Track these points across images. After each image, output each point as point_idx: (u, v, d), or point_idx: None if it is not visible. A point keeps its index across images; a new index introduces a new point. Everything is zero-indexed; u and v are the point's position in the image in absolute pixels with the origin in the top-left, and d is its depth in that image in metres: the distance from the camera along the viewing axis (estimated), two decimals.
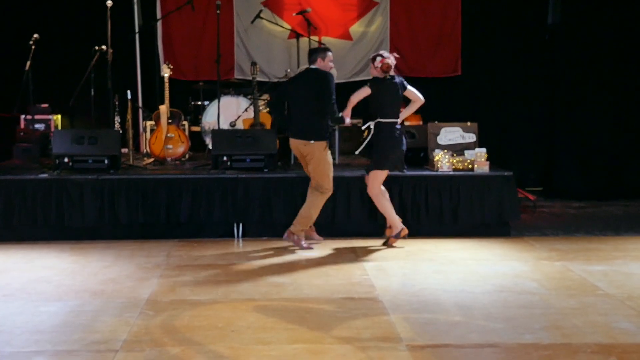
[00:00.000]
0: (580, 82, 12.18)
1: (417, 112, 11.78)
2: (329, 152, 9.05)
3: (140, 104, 12.26)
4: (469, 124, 10.28)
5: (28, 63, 10.63)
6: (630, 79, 12.24)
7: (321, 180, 8.99)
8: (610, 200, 12.02)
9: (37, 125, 11.50)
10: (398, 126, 9.05)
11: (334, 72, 11.58)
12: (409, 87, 9.18)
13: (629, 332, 6.24)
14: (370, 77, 9.38)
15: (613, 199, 12.07)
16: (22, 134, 11.33)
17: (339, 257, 8.76)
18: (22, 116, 11.65)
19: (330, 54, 9.26)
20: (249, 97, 11.35)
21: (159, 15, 12.60)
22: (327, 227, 9.65)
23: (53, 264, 8.46)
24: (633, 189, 12.28)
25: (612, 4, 12.22)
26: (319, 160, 8.96)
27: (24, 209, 9.52)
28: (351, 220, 9.71)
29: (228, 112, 11.29)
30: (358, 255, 8.79)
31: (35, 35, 10.73)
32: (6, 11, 12.26)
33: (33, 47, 10.68)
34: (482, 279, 7.73)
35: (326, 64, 9.19)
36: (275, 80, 12.23)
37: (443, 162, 9.84)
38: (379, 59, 9.06)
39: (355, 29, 13.03)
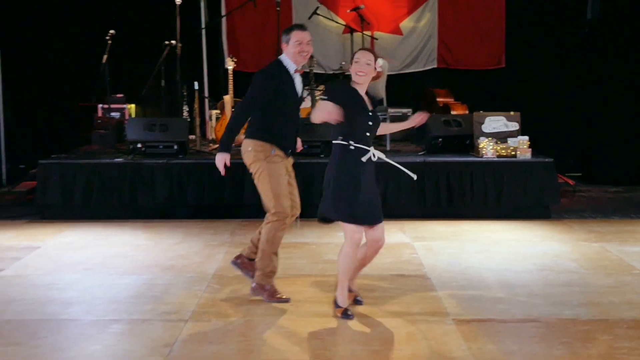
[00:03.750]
0: (617, 74, 12.04)
1: (463, 102, 11.82)
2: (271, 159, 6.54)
3: (206, 94, 12.33)
4: (512, 113, 10.20)
5: (105, 57, 10.72)
6: None
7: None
8: None
9: (113, 114, 11.60)
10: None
11: (385, 63, 11.56)
12: None
13: None
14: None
15: None
16: (99, 121, 11.45)
17: (389, 237, 8.68)
18: (100, 105, 11.78)
19: (292, 33, 6.40)
20: (307, 88, 11.33)
21: (223, 12, 12.65)
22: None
23: (128, 240, 8.56)
24: None
25: None
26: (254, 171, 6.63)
27: (101, 191, 9.63)
28: (400, 202, 9.68)
29: None
30: (407, 235, 8.77)
31: (111, 32, 10.81)
32: (85, 10, 12.38)
33: (109, 42, 10.77)
34: (523, 259, 7.68)
35: (289, 48, 6.42)
36: (331, 72, 12.22)
37: (487, 149, 9.78)
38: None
39: (405, 24, 12.97)
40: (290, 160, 6.62)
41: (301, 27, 6.46)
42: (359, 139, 5.95)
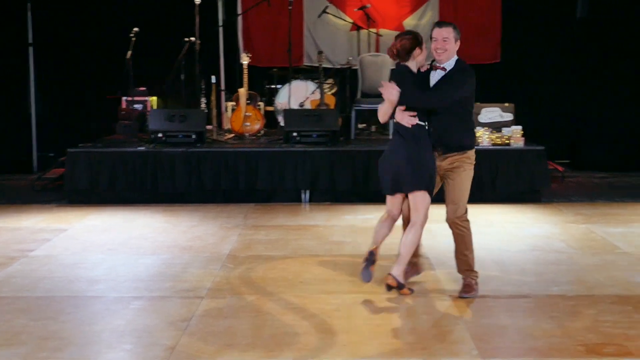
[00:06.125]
0: (603, 68, 12.02)
1: None
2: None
3: (222, 87, 12.31)
4: (506, 104, 10.18)
5: (129, 53, 10.70)
6: None
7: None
8: (629, 171, 11.82)
9: (136, 106, 11.58)
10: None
11: (389, 58, 11.52)
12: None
13: None
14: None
15: (632, 170, 11.86)
16: (123, 113, 11.45)
17: None
18: (124, 98, 11.77)
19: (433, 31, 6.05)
20: (316, 81, 11.34)
21: (239, 10, 12.61)
22: (381, 192, 9.61)
23: (149, 223, 8.57)
24: None
25: (635, 1, 12.05)
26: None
27: (125, 177, 9.65)
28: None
29: (298, 94, 11.27)
30: None
31: (135, 29, 10.79)
32: (111, 9, 12.37)
33: (133, 39, 10.75)
34: (516, 239, 7.67)
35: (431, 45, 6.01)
36: (339, 66, 12.19)
37: (483, 137, 9.75)
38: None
39: (409, 22, 12.89)
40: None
41: (438, 24, 5.98)
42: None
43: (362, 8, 12.23)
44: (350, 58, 11.86)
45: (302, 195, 9.73)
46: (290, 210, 9.31)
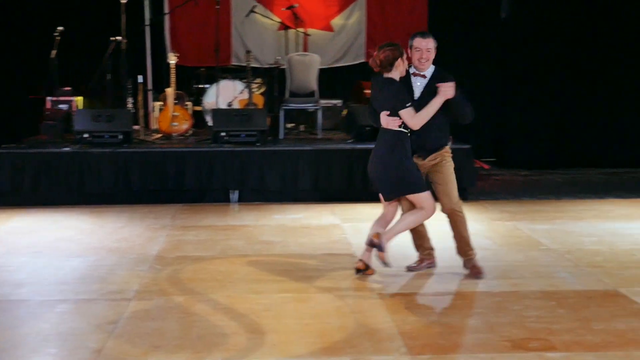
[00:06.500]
0: (526, 68, 12.23)
1: None
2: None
3: (150, 87, 12.19)
4: None
5: (54, 52, 10.53)
6: (571, 63, 12.29)
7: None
8: (552, 169, 12.08)
9: (61, 106, 11.36)
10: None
11: (317, 58, 11.59)
12: None
13: (567, 281, 6.29)
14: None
15: (555, 168, 12.13)
16: (48, 113, 11.23)
17: (321, 219, 8.77)
18: (49, 98, 11.54)
19: (414, 40, 6.35)
20: (244, 80, 11.31)
21: (166, 9, 12.52)
22: (310, 192, 9.67)
23: (75, 225, 8.44)
24: (572, 159, 12.36)
25: (556, 3, 12.30)
26: None
27: (50, 178, 9.47)
28: (331, 186, 9.70)
29: (226, 93, 11.23)
30: (337, 217, 8.80)
31: (60, 28, 10.63)
32: (35, 7, 12.13)
33: (58, 38, 10.58)
34: (444, 237, 7.70)
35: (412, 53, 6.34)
36: (267, 66, 12.17)
37: None
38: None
39: (336, 21, 12.96)
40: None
41: (422, 35, 6.30)
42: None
43: (290, 7, 12.25)
44: (279, 57, 11.86)
45: (231, 195, 9.69)
46: (219, 210, 9.26)
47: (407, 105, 6.07)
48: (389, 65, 6.12)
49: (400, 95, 6.10)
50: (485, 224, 8.41)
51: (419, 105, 6.15)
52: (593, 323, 5.25)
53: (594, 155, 12.42)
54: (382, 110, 6.13)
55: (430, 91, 6.19)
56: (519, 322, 5.30)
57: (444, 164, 6.38)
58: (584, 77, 12.39)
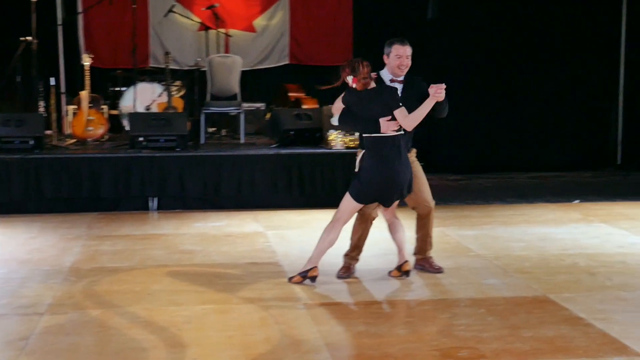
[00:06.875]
0: (455, 70, 12.36)
1: (314, 96, 11.88)
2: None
3: (63, 90, 12.00)
4: None
5: None
6: (499, 67, 12.50)
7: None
8: (480, 173, 12.27)
9: None
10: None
11: (239, 60, 11.56)
12: None
13: (496, 287, 6.38)
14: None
15: (483, 172, 12.32)
16: None
17: (244, 226, 8.74)
18: None
19: (393, 47, 6.67)
20: (163, 83, 11.21)
21: (79, 8, 12.33)
22: (233, 199, 9.63)
23: None
24: (500, 163, 12.57)
25: (482, 3, 12.50)
26: None
27: None
28: (255, 193, 9.68)
29: (144, 97, 11.11)
30: (261, 224, 8.77)
31: None
32: None
33: None
34: (371, 244, 7.74)
35: (389, 60, 6.67)
36: (187, 68, 12.08)
37: (337, 140, 9.88)
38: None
39: (259, 22, 12.95)
40: None
41: (402, 41, 6.55)
42: None
43: (211, 7, 12.19)
44: (199, 59, 11.77)
45: (150, 203, 9.59)
46: (138, 218, 9.15)
47: (400, 105, 6.26)
48: (370, 77, 6.34)
49: (395, 96, 6.32)
50: (413, 229, 8.45)
51: None
52: (522, 330, 5.33)
53: (523, 160, 12.67)
54: (382, 117, 6.26)
55: (406, 96, 6.40)
56: (448, 331, 5.35)
57: (416, 166, 6.68)
58: (512, 81, 12.64)
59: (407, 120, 6.28)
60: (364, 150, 6.43)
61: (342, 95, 6.40)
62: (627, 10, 12.97)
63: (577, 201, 10.17)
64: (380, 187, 6.37)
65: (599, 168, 12.82)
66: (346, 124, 6.61)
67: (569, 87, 12.78)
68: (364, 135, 6.40)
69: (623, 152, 13.15)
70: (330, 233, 6.45)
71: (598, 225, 8.74)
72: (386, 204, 6.53)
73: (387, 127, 6.28)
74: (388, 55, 6.52)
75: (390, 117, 6.27)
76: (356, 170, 6.53)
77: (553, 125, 12.80)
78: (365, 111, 6.33)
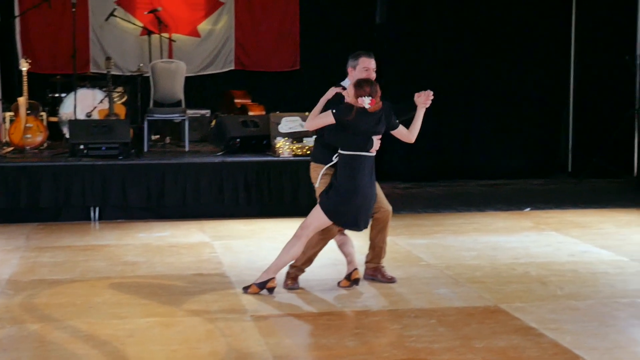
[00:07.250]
0: (402, 75, 12.45)
1: (260, 103, 11.90)
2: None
3: None
4: (307, 114, 10.30)
5: None
6: (449, 72, 12.62)
7: None
8: (431, 181, 12.37)
9: None
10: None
11: (183, 65, 11.53)
12: None
13: (447, 297, 6.44)
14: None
15: (434, 180, 12.42)
16: None
17: (189, 236, 8.71)
18: None
19: (360, 60, 6.71)
20: (104, 89, 11.13)
21: (16, 11, 12.21)
22: (178, 208, 9.59)
23: None
24: (451, 171, 12.68)
25: (431, 8, 12.62)
26: None
27: None
28: (200, 202, 9.66)
29: (84, 103, 11.02)
30: (207, 234, 8.76)
31: None
32: None
33: None
34: (319, 254, 7.79)
35: (355, 73, 6.67)
36: (129, 73, 12.01)
37: (284, 148, 9.89)
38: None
39: (203, 27, 12.93)
40: None
41: (368, 54, 6.64)
42: None
43: (153, 11, 12.16)
44: (141, 65, 11.70)
45: (92, 213, 9.51)
46: (79, 229, 9.07)
47: (399, 122, 6.49)
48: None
49: (392, 114, 6.51)
50: (362, 239, 8.45)
51: None
52: (474, 341, 5.39)
53: (473, 167, 12.79)
54: (376, 135, 6.39)
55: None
56: (398, 342, 5.39)
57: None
58: (462, 88, 12.74)
59: (411, 135, 6.55)
60: (326, 166, 6.41)
61: (335, 109, 6.30)
62: (575, 18, 13.18)
63: (528, 209, 10.31)
64: (358, 208, 6.34)
65: (550, 175, 12.99)
66: (334, 139, 6.40)
67: (519, 94, 12.93)
68: (343, 152, 6.31)
69: (574, 160, 13.33)
70: (294, 247, 6.39)
71: (549, 234, 8.87)
72: (359, 228, 6.47)
73: (377, 146, 6.39)
74: (354, 67, 6.61)
75: (380, 135, 6.37)
76: (316, 185, 6.49)
77: (503, 133, 12.94)
78: (360, 129, 6.29)
